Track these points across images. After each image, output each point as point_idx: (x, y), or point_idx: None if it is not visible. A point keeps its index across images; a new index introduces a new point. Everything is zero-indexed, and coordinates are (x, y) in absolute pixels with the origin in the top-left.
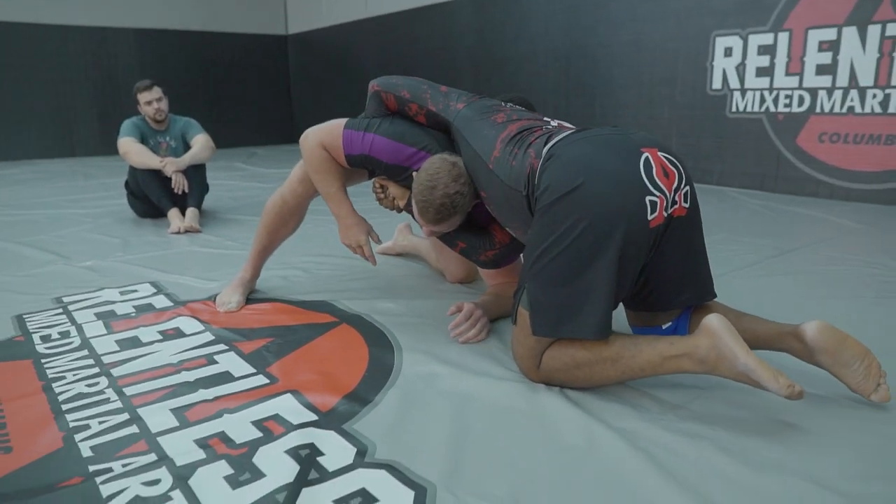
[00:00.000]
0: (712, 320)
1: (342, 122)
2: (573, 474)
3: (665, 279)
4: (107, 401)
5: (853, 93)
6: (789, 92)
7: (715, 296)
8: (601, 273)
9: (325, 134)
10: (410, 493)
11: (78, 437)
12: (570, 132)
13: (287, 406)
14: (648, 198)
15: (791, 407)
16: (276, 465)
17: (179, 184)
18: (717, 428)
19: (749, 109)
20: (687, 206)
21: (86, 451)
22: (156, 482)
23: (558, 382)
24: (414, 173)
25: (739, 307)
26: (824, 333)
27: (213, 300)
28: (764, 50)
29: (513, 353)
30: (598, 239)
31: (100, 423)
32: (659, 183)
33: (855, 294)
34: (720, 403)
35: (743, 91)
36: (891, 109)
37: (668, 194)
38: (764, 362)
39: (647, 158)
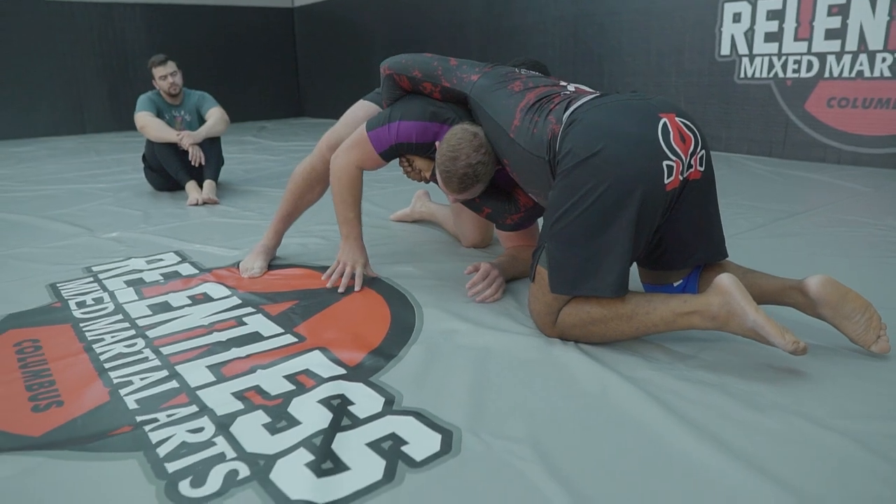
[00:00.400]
0: (723, 279)
1: (362, 129)
2: (588, 417)
3: (679, 240)
4: (146, 359)
5: (862, 57)
6: (798, 57)
7: (727, 255)
8: (619, 234)
9: (355, 151)
10: (437, 436)
11: (123, 391)
12: (590, 97)
13: (316, 361)
14: (665, 162)
15: (793, 358)
16: (311, 414)
17: (196, 156)
18: (723, 375)
19: (757, 75)
20: (702, 169)
21: (131, 404)
22: (199, 430)
23: (573, 338)
24: (437, 144)
25: (748, 266)
26: (827, 287)
27: (236, 267)
28: (773, 15)
29: (529, 310)
30: (616, 201)
31: (141, 379)
32: (676, 148)
33: (860, 253)
34: (727, 354)
35: (751, 57)
36: None
37: (684, 158)
38: (772, 319)
39: (664, 124)
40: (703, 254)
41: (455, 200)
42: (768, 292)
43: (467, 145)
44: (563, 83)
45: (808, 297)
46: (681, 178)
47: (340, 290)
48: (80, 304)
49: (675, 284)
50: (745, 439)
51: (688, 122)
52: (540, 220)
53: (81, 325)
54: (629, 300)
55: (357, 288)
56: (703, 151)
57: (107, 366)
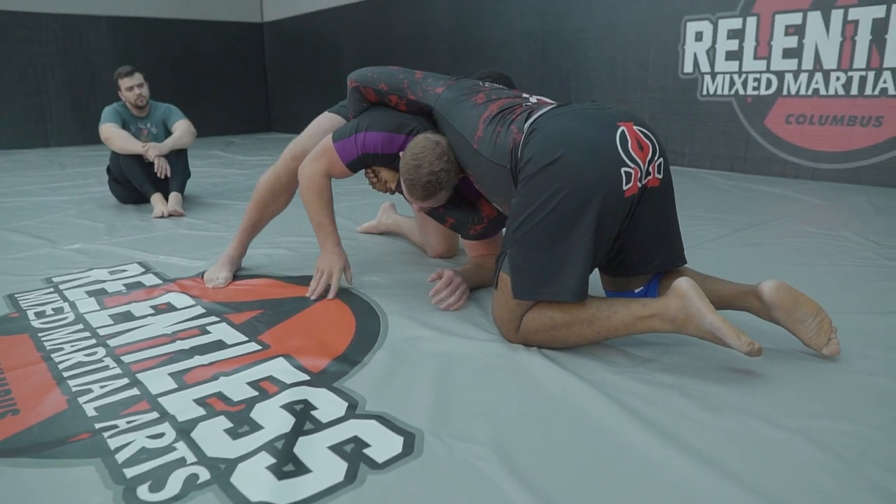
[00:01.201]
0: (681, 283)
1: (328, 139)
2: (551, 419)
3: (638, 246)
4: (106, 368)
5: (818, 75)
6: (757, 75)
7: (685, 262)
8: (579, 239)
9: (322, 160)
10: (400, 439)
11: (81, 399)
12: (550, 107)
13: (280, 368)
14: (623, 169)
15: (749, 360)
16: (273, 419)
17: (162, 168)
18: (682, 377)
19: (719, 92)
20: (660, 177)
21: (90, 411)
22: (160, 435)
23: (536, 343)
24: (401, 154)
25: (707, 274)
26: (780, 291)
27: (201, 277)
28: (733, 34)
29: (493, 317)
30: (576, 207)
31: (101, 387)
32: (634, 155)
33: (815, 262)
34: (685, 357)
35: (713, 75)
36: (853, 91)
37: (642, 166)
38: (728, 321)
39: (622, 132)
40: (662, 260)
41: (420, 209)
42: (725, 297)
43: (430, 153)
44: (525, 95)
45: (762, 301)
46: (639, 184)
47: (314, 297)
48: (40, 315)
49: (636, 290)
50: (702, 438)
51: (645, 131)
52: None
53: (40, 334)
54: (590, 305)
55: (330, 296)
56: (661, 159)
57: (66, 374)
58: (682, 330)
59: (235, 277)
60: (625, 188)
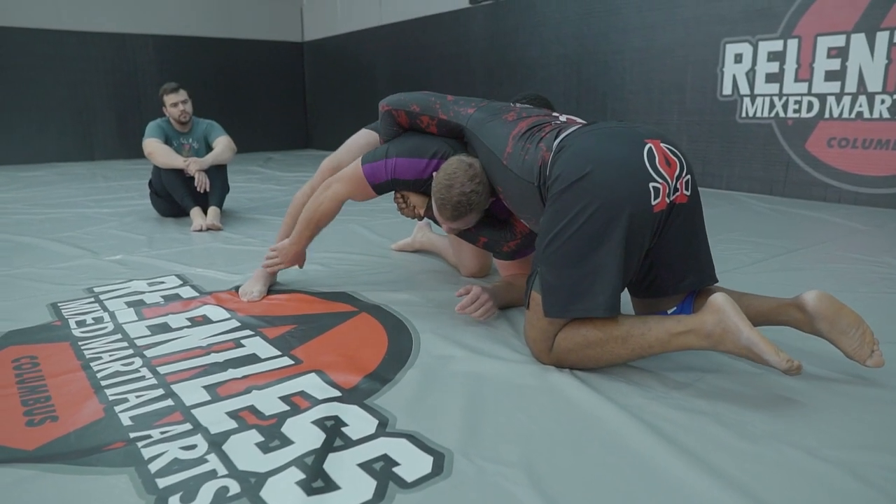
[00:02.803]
0: (717, 298)
1: (357, 163)
2: (583, 443)
3: (668, 264)
4: (142, 378)
5: (862, 98)
6: (798, 98)
7: (716, 280)
8: (609, 255)
9: (348, 184)
10: (429, 458)
11: (118, 408)
12: (578, 126)
13: (312, 384)
14: (652, 184)
15: (789, 386)
16: (304, 434)
17: (202, 183)
18: (718, 404)
19: (759, 115)
20: (688, 193)
21: (126, 420)
22: (192, 447)
23: (569, 364)
24: (435, 174)
25: None
26: (823, 301)
27: (236, 290)
28: (774, 56)
29: (525, 337)
30: (605, 222)
31: (137, 396)
32: (661, 171)
33: (857, 289)
34: (722, 383)
35: (753, 97)
36: None
37: (670, 182)
38: (766, 337)
39: (650, 148)
40: (692, 279)
41: (450, 230)
42: (763, 312)
43: (462, 174)
44: (554, 114)
45: (805, 312)
46: (667, 200)
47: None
48: (80, 324)
49: (669, 312)
50: (738, 468)
51: (672, 148)
52: None
53: (80, 343)
54: (624, 322)
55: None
56: (689, 176)
57: (103, 383)
58: (718, 346)
59: (270, 292)
60: (653, 203)
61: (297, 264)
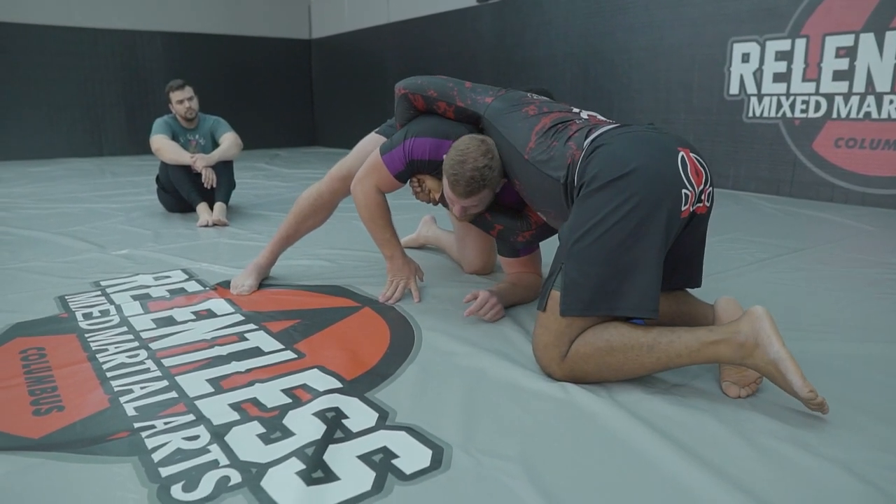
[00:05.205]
0: (757, 308)
1: (376, 154)
2: (581, 439)
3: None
4: (147, 370)
5: (870, 98)
6: (806, 97)
7: (700, 285)
8: (646, 251)
9: (372, 176)
10: (429, 452)
11: (122, 399)
12: (610, 127)
13: (314, 377)
14: (684, 190)
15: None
16: (305, 426)
17: (209, 178)
18: (716, 402)
19: (766, 115)
20: (708, 205)
21: (130, 410)
22: (195, 437)
23: (584, 374)
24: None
25: (747, 299)
26: (729, 306)
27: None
28: (781, 56)
29: (534, 346)
30: (645, 217)
31: (141, 388)
32: (692, 180)
33: (861, 288)
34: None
35: (760, 96)
36: None
37: (696, 191)
38: (795, 360)
39: (682, 157)
40: (679, 278)
41: (462, 212)
42: (692, 315)
43: (475, 150)
44: (575, 110)
45: (717, 317)
46: (691, 209)
47: (392, 303)
48: (87, 316)
49: None
50: (735, 464)
51: (700, 159)
52: (542, 246)
53: (87, 335)
54: (651, 330)
55: (416, 300)
56: (711, 189)
57: (109, 375)
58: (746, 359)
59: (274, 286)
60: (682, 208)
61: (417, 275)
